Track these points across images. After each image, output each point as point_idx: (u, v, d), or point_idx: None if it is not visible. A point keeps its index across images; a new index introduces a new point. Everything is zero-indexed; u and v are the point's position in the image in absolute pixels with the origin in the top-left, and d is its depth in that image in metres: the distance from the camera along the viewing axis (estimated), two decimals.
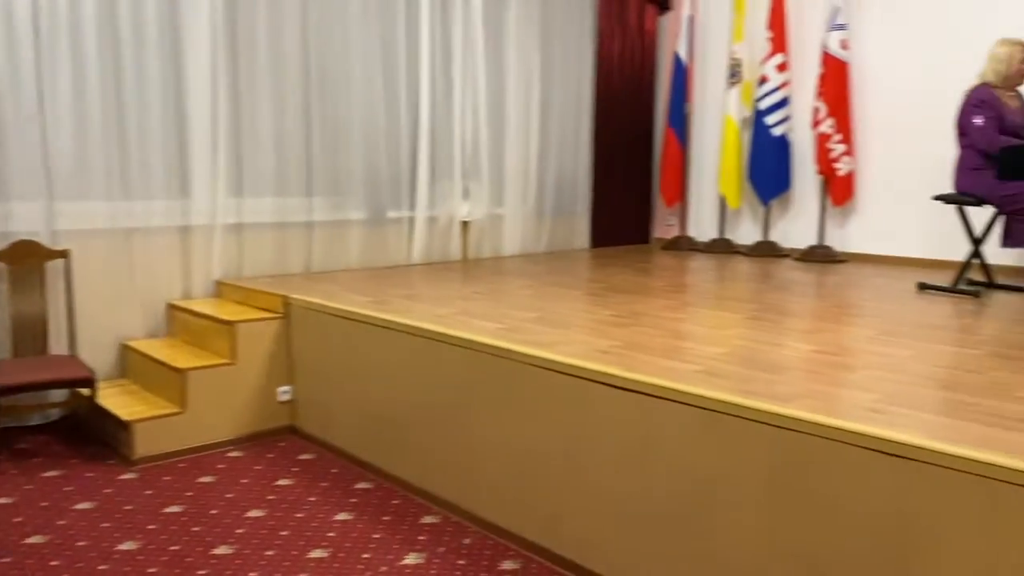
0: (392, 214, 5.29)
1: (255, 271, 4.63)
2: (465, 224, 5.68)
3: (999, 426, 2.03)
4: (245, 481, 3.37)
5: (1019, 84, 4.25)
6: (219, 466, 3.54)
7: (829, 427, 2.01)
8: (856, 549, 1.96)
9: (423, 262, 5.42)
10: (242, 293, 4.30)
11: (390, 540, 2.84)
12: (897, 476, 1.88)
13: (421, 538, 2.86)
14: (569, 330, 3.20)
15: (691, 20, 6.45)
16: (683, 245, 6.52)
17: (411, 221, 5.39)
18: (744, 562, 2.19)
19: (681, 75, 6.47)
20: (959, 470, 1.80)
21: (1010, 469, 1.74)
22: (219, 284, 4.46)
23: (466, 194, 5.66)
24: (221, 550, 2.74)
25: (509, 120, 5.84)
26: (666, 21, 6.83)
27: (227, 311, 4.05)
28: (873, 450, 1.93)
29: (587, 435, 2.59)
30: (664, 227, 6.91)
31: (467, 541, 2.85)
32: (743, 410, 2.18)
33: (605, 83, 6.43)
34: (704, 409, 2.27)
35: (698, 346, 2.97)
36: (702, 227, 6.64)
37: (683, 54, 6.45)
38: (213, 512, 3.04)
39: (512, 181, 5.90)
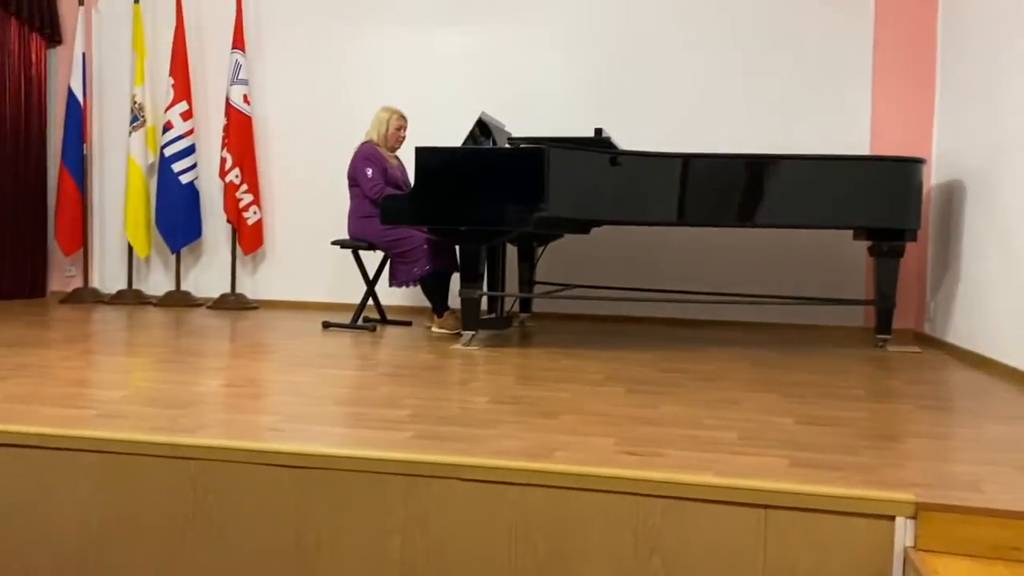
0: None
1: None
2: None
3: (389, 429, 2.27)
4: None
5: (396, 147, 4.91)
6: None
7: (232, 449, 2.01)
8: (265, 561, 1.97)
9: None
10: None
11: None
12: (299, 484, 1.96)
13: None
14: None
15: (85, 57, 6.01)
16: (86, 297, 5.95)
17: None
18: None
19: (77, 114, 5.96)
20: (352, 470, 1.96)
21: (382, 460, 1.95)
22: None
23: None
24: None
25: None
26: (57, 55, 6.24)
27: None
28: (275, 465, 1.98)
29: None
30: (63, 278, 6.22)
31: None
32: (146, 447, 2.05)
33: None
34: (104, 452, 2.07)
35: (97, 391, 2.72)
36: (108, 277, 6.15)
37: (78, 91, 5.96)
38: None
39: None
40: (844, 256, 4.94)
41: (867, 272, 4.82)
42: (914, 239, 4.21)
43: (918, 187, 4.14)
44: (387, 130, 4.79)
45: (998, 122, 3.77)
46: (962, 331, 4.10)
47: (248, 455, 1.98)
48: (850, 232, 4.48)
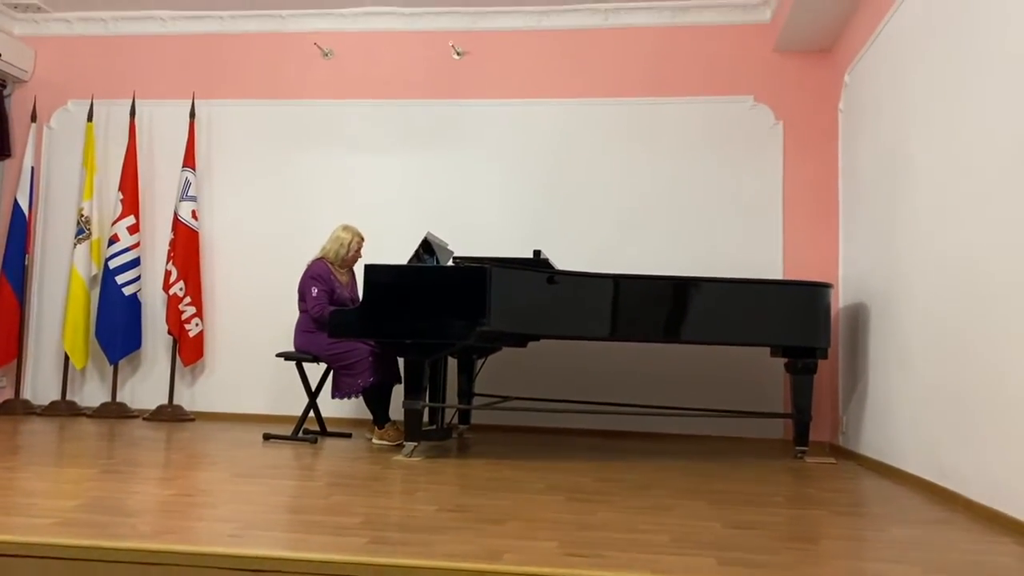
0: None
1: None
2: None
3: (344, 535, 2.39)
4: None
5: (353, 264, 5.11)
6: None
7: (196, 554, 2.10)
8: None
9: None
10: None
11: None
12: None
13: None
14: None
15: (34, 171, 6.14)
16: (17, 409, 5.85)
17: None
18: None
19: (21, 225, 6.03)
20: (317, 573, 2.07)
21: (349, 563, 2.07)
22: None
23: None
24: None
25: None
26: (5, 167, 6.35)
27: None
28: (239, 569, 2.08)
29: None
30: None
31: None
32: (109, 552, 2.12)
33: None
34: (67, 560, 2.13)
35: (49, 501, 2.75)
36: (42, 388, 6.07)
37: (23, 203, 6.05)
38: None
39: None
40: (765, 373, 5.28)
41: (785, 388, 5.16)
42: (825, 356, 4.57)
43: (827, 309, 4.53)
44: (348, 252, 5.00)
45: (892, 252, 4.21)
46: (871, 443, 4.42)
47: (214, 559, 2.07)
48: (768, 350, 4.82)
